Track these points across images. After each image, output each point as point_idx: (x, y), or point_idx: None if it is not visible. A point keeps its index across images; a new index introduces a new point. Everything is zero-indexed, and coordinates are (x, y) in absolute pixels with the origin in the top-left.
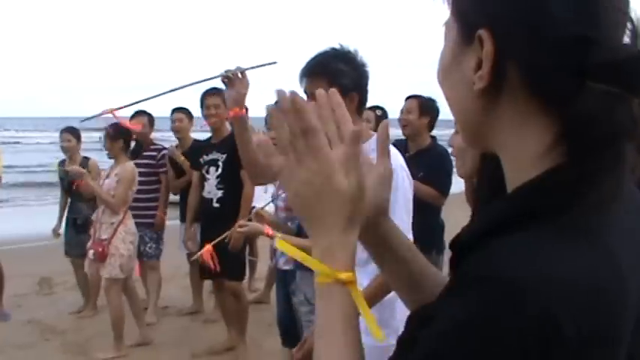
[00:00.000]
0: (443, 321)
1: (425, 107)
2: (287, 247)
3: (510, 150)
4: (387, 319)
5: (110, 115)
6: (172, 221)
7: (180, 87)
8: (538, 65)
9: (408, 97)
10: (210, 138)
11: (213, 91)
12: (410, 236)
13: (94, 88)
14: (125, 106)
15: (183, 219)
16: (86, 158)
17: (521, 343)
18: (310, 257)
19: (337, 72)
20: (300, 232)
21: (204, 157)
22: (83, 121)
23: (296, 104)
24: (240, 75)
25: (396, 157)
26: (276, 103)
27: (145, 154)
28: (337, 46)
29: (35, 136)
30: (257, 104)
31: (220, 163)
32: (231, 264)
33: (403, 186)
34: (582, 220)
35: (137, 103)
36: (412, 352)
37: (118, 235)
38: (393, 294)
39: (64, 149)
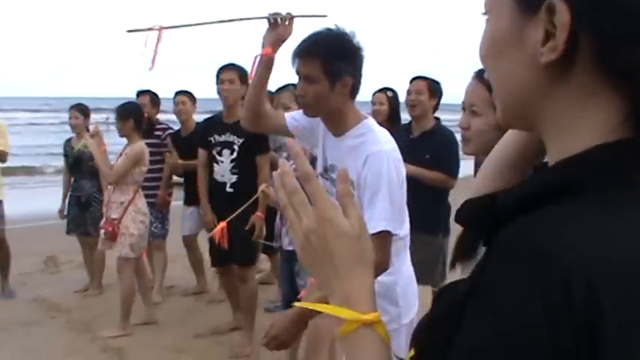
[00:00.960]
0: (483, 307)
1: (433, 89)
2: (307, 303)
3: (568, 125)
4: (385, 305)
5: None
6: (180, 202)
7: (227, 20)
8: (615, 36)
9: (415, 78)
10: (222, 115)
11: (229, 66)
12: (387, 223)
13: (98, 69)
14: (172, 27)
15: (186, 201)
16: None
17: (566, 324)
18: (332, 306)
19: (331, 55)
20: None
21: (216, 136)
22: (130, 31)
23: (284, 165)
24: (287, 21)
25: (382, 142)
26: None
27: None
28: (333, 27)
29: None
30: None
31: (236, 147)
32: (243, 250)
33: (389, 170)
34: (631, 195)
35: (184, 26)
36: (456, 336)
37: (128, 214)
38: (391, 279)
39: (72, 126)
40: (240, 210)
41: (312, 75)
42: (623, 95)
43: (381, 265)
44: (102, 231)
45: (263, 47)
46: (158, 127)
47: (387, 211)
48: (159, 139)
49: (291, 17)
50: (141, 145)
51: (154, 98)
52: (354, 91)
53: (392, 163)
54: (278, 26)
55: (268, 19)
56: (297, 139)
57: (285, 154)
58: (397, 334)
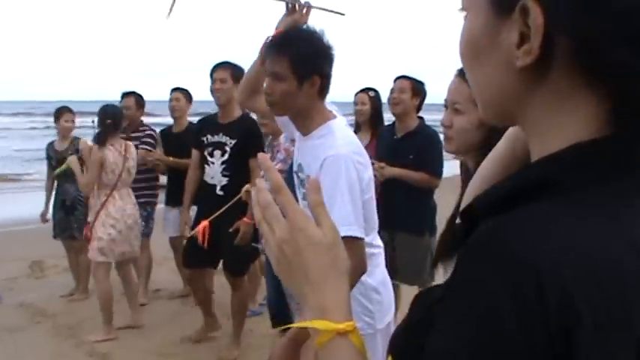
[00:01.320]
0: (453, 306)
1: (416, 88)
2: (282, 327)
3: (547, 128)
4: (359, 311)
5: None
6: (162, 205)
7: None
8: (593, 36)
9: (398, 78)
10: (216, 116)
11: (222, 65)
12: (350, 228)
13: (89, 71)
14: None
15: (169, 202)
16: (77, 138)
17: (540, 327)
18: (306, 322)
19: (299, 53)
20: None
21: (209, 136)
22: (169, 13)
23: (259, 183)
24: (304, 9)
25: (339, 145)
26: None
27: (133, 135)
28: (302, 27)
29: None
30: None
31: (228, 149)
32: (233, 258)
33: (348, 174)
34: (605, 194)
35: None
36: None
37: (99, 218)
38: (365, 286)
39: (60, 130)
40: (224, 209)
41: (279, 73)
42: (601, 96)
43: (357, 270)
44: (83, 234)
45: (276, 29)
46: (140, 128)
47: (349, 215)
48: (138, 141)
49: (309, 6)
50: (93, 146)
51: (139, 100)
52: (323, 90)
53: (351, 166)
54: (295, 12)
55: (287, 3)
56: (283, 128)
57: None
58: (372, 339)
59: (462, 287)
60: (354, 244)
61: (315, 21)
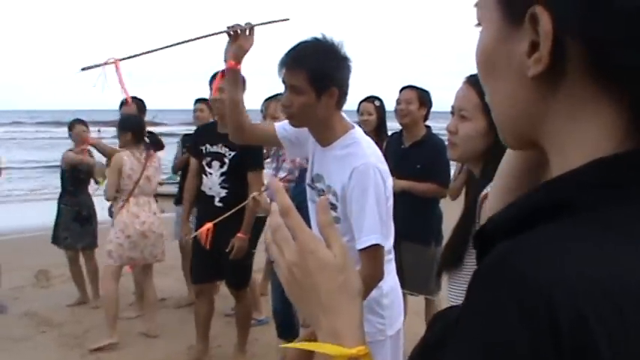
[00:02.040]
0: (467, 326)
1: (423, 98)
2: (291, 344)
3: (566, 139)
4: (371, 318)
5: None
6: (169, 213)
7: (184, 41)
8: (606, 40)
9: (404, 88)
10: (215, 125)
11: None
12: (377, 237)
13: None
14: (129, 57)
15: (177, 202)
16: (90, 150)
17: (553, 357)
18: (318, 343)
19: (317, 66)
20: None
21: (207, 146)
22: (83, 69)
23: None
24: (247, 31)
25: (368, 155)
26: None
27: None
28: (320, 37)
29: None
30: (254, 96)
31: (227, 160)
32: (236, 272)
33: (376, 183)
34: (627, 214)
35: (141, 54)
36: None
37: (113, 225)
38: (377, 291)
39: (74, 139)
40: (228, 214)
41: (297, 86)
42: (620, 103)
43: (376, 277)
44: None
45: (225, 61)
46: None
47: (377, 224)
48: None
49: (251, 27)
50: (119, 155)
51: (140, 105)
52: (341, 102)
53: (379, 176)
54: (238, 38)
55: (228, 32)
56: (287, 149)
57: (273, 166)
58: (382, 346)
59: (474, 312)
60: (377, 251)
61: (334, 33)
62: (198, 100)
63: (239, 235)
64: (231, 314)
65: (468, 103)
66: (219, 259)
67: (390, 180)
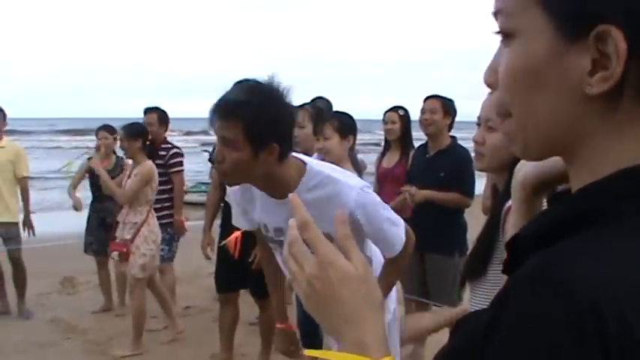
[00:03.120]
0: (494, 327)
1: (447, 107)
2: (317, 352)
3: (602, 157)
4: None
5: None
6: (194, 222)
7: None
8: None
9: (428, 97)
10: None
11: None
12: (400, 245)
13: (107, 88)
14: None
15: None
16: (120, 158)
17: (569, 335)
18: (344, 354)
19: (254, 118)
20: None
21: None
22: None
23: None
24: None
25: (348, 182)
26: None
27: (157, 153)
28: (261, 80)
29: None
30: None
31: None
32: (261, 281)
33: (374, 199)
34: None
35: None
36: None
37: (141, 234)
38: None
39: (98, 147)
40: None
41: (231, 139)
42: None
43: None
44: (115, 252)
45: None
46: (163, 146)
47: (399, 231)
48: (163, 160)
49: None
50: (150, 164)
51: (162, 116)
52: (283, 155)
53: (370, 190)
54: None
55: None
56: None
57: None
58: None
59: (517, 320)
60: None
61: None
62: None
63: None
64: (255, 323)
65: (491, 112)
66: (243, 268)
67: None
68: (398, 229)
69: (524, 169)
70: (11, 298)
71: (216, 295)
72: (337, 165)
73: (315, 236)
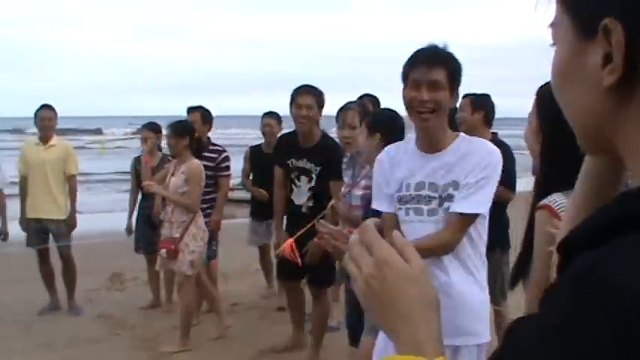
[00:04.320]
0: (537, 327)
1: (477, 103)
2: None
3: (637, 146)
4: (475, 324)
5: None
6: (242, 219)
7: None
8: None
9: (462, 97)
10: (296, 136)
11: (305, 90)
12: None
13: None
14: None
15: (254, 216)
16: (166, 155)
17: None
18: (398, 356)
19: (454, 67)
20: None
21: (293, 160)
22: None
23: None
24: None
25: (493, 146)
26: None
27: (204, 154)
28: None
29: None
30: (331, 104)
31: (314, 176)
32: (319, 270)
33: (497, 166)
34: None
35: None
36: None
37: (189, 232)
38: (483, 297)
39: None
40: (308, 226)
41: (439, 81)
42: None
43: (447, 246)
44: (162, 250)
45: None
46: (212, 148)
47: (488, 198)
48: (213, 162)
49: None
50: (197, 162)
51: (206, 115)
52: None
53: (499, 161)
54: None
55: None
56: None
57: (349, 173)
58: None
59: (562, 324)
60: (469, 219)
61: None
62: (266, 114)
63: (315, 240)
64: (306, 320)
65: (532, 108)
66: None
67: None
68: (480, 201)
69: (561, 233)
70: (61, 294)
71: (262, 293)
72: (370, 162)
73: (372, 237)
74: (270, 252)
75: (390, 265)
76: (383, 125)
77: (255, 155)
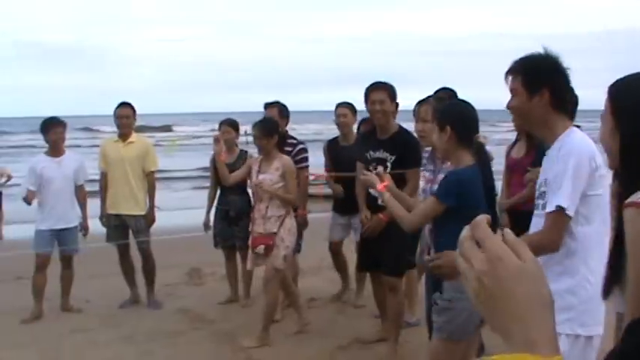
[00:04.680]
0: None
1: None
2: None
3: None
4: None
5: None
6: (317, 214)
7: None
8: None
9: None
10: (375, 132)
11: (378, 86)
12: (564, 200)
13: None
14: None
15: (337, 209)
16: (244, 152)
17: None
18: (513, 355)
19: (528, 69)
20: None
21: (371, 152)
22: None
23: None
24: None
25: (577, 141)
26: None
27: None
28: (540, 49)
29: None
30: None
31: (389, 164)
32: (393, 259)
33: (578, 163)
34: None
35: None
36: None
37: (285, 226)
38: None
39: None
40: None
41: (513, 88)
42: None
43: (548, 246)
44: (260, 246)
45: None
46: (288, 141)
47: (567, 193)
48: (289, 155)
49: None
50: (288, 158)
51: (283, 110)
52: (555, 102)
53: (584, 157)
54: None
55: None
56: None
57: (430, 168)
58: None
59: None
60: (558, 215)
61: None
62: (339, 105)
63: (380, 215)
64: (378, 316)
65: (604, 107)
66: (377, 249)
67: (601, 171)
68: (563, 194)
69: None
70: (141, 288)
71: (339, 288)
72: (448, 159)
73: (484, 233)
74: (341, 249)
75: (503, 262)
76: (453, 119)
77: (331, 151)
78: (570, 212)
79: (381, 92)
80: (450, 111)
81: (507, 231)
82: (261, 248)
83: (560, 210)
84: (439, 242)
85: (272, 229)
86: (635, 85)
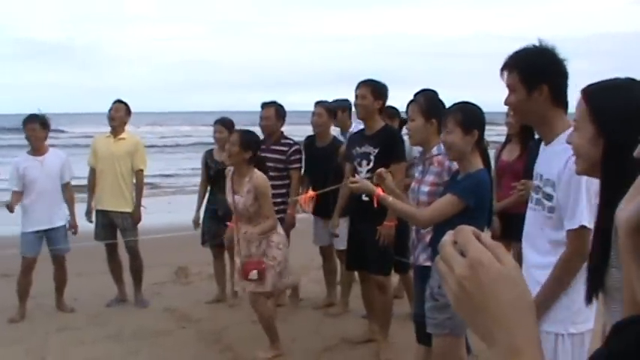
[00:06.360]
0: None
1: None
2: None
3: None
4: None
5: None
6: (306, 214)
7: None
8: None
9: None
10: (364, 130)
11: (363, 82)
12: (583, 219)
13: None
14: None
15: (318, 213)
16: None
17: None
18: None
19: (526, 66)
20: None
21: (357, 148)
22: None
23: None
24: None
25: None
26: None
27: (274, 147)
28: (536, 43)
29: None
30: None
31: (372, 157)
32: (378, 258)
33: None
34: None
35: None
36: None
37: (273, 244)
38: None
39: (216, 140)
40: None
41: (510, 84)
42: None
43: (582, 255)
44: (253, 272)
45: None
46: (283, 141)
47: (585, 210)
48: (284, 155)
49: None
50: (260, 177)
51: (280, 110)
52: (556, 99)
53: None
54: None
55: None
56: None
57: (419, 169)
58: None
59: None
60: (581, 232)
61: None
62: (317, 103)
63: (385, 223)
64: (366, 316)
65: (578, 112)
66: (363, 249)
67: None
68: (584, 209)
69: (627, 209)
70: (128, 287)
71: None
72: (460, 161)
73: (467, 238)
74: (332, 254)
75: (484, 267)
76: (480, 123)
77: (308, 150)
78: (591, 225)
79: (363, 88)
80: (477, 115)
81: (484, 236)
82: (254, 274)
83: (582, 228)
84: (439, 241)
85: (258, 252)
86: (613, 91)
